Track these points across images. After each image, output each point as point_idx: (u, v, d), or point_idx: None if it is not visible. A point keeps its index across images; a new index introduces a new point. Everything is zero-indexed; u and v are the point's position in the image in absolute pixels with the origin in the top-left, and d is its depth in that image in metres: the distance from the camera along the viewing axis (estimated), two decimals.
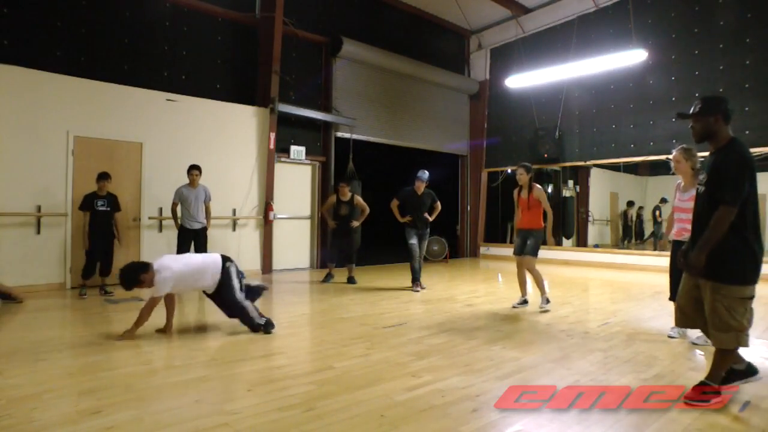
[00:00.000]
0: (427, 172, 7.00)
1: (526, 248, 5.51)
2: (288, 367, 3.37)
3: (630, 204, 13.03)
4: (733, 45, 8.51)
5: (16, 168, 6.12)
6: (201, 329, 4.78)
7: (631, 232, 12.98)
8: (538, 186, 5.61)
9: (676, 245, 4.19)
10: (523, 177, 5.59)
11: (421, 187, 6.90)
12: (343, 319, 4.98)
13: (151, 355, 3.69)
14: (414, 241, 6.89)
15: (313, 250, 9.35)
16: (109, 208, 6.17)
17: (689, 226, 4.03)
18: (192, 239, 6.67)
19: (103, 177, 6.15)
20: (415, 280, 6.95)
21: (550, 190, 11.83)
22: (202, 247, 6.77)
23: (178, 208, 6.69)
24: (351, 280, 7.46)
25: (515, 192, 5.77)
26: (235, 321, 4.53)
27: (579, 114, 10.53)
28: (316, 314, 5.42)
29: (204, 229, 6.77)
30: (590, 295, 6.85)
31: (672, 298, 4.29)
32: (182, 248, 6.63)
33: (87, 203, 6.08)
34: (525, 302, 5.68)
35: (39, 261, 6.32)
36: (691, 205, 4.06)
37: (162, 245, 7.34)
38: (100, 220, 6.12)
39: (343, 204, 7.44)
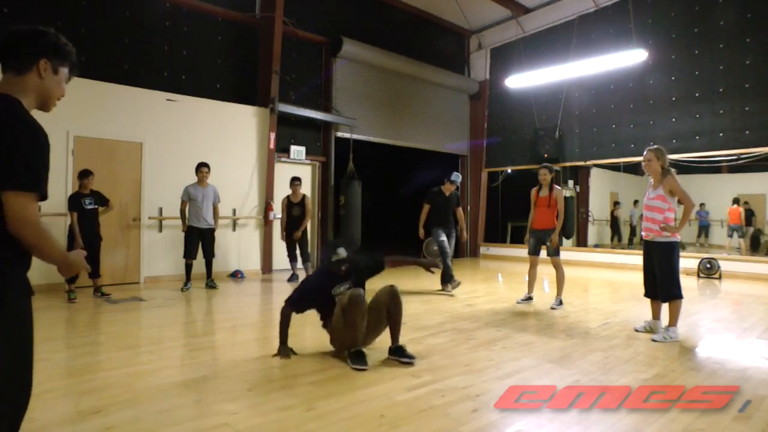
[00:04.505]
0: (459, 176, 6.97)
1: (550, 250, 5.62)
2: (288, 367, 3.37)
3: (617, 204, 13.14)
4: (733, 45, 8.51)
5: None
6: (202, 329, 4.79)
7: (620, 233, 13.07)
8: (558, 187, 5.78)
9: (646, 245, 4.35)
10: (546, 177, 5.74)
11: (450, 189, 6.84)
12: None
13: (151, 355, 3.69)
14: (444, 238, 6.71)
15: (313, 250, 9.34)
16: (96, 206, 5.95)
17: (653, 225, 4.20)
18: (199, 239, 6.65)
19: (86, 174, 5.87)
20: (449, 278, 6.57)
21: None
22: (209, 248, 6.75)
23: (186, 208, 6.62)
24: None
25: (533, 191, 5.89)
26: (236, 320, 4.54)
27: (579, 114, 10.53)
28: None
29: (212, 230, 6.74)
30: (590, 295, 6.85)
31: (647, 295, 4.45)
32: (190, 248, 6.60)
33: (75, 203, 5.79)
34: (530, 299, 5.82)
35: (39, 261, 6.30)
36: (655, 204, 4.23)
37: (162, 245, 7.35)
38: (88, 220, 5.83)
39: (295, 206, 7.44)
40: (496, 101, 12.04)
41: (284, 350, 3.55)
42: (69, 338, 4.22)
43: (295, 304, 3.65)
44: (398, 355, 3.45)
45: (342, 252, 3.65)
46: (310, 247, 9.08)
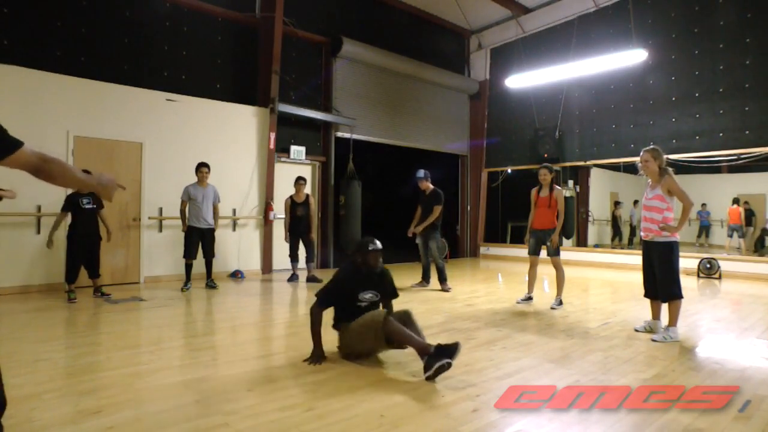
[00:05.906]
0: (422, 171, 6.95)
1: (550, 250, 5.63)
2: (288, 367, 3.37)
3: (617, 204, 13.13)
4: (733, 45, 8.51)
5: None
6: (202, 329, 4.78)
7: (620, 233, 13.07)
8: (558, 187, 5.80)
9: (645, 245, 4.37)
10: (546, 177, 5.77)
11: (422, 187, 6.92)
12: None
13: (151, 355, 3.68)
14: (417, 241, 7.03)
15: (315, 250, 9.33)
16: (95, 206, 5.91)
17: (652, 225, 4.21)
18: (199, 239, 6.65)
19: (84, 173, 5.91)
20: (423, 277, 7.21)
21: None
22: (209, 248, 6.75)
23: (186, 207, 6.63)
24: (312, 279, 7.37)
25: (533, 191, 5.91)
26: (236, 320, 4.53)
27: (579, 114, 10.53)
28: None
29: (212, 230, 6.75)
30: (590, 295, 6.84)
31: (647, 295, 4.47)
32: (190, 248, 6.61)
33: (71, 203, 5.78)
34: (530, 299, 5.84)
35: (39, 261, 6.32)
36: (653, 204, 4.24)
37: (162, 245, 7.35)
38: (86, 220, 5.82)
39: (299, 205, 7.44)
40: (496, 101, 12.04)
41: (317, 355, 3.42)
42: (69, 338, 4.22)
43: (324, 300, 3.48)
44: (439, 356, 3.06)
45: (379, 244, 3.50)
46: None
